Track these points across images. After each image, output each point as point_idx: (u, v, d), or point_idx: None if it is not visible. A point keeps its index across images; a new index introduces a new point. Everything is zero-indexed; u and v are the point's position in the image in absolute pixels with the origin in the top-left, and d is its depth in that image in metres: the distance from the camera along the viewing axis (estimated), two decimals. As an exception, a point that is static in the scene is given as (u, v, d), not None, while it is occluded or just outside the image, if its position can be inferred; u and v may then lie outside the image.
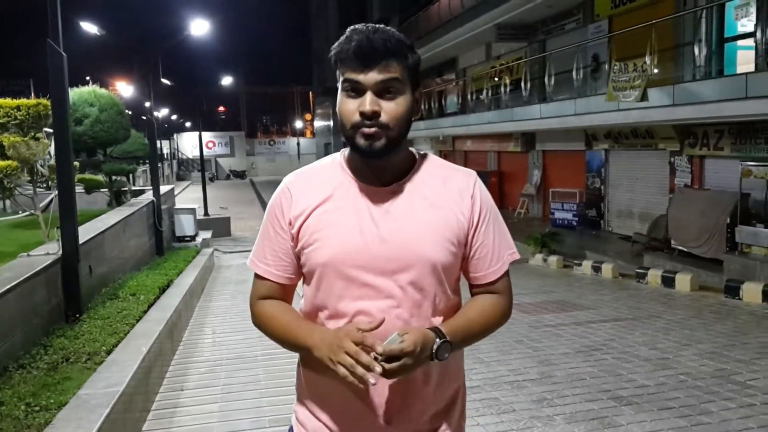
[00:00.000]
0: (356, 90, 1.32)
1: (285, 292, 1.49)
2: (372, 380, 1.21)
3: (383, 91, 1.31)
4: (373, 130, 1.31)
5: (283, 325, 1.43)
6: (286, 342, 1.42)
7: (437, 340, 1.29)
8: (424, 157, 1.48)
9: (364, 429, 1.41)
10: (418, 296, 1.37)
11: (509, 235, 1.50)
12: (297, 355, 1.53)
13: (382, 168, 1.40)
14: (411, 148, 1.48)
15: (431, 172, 1.45)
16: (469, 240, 1.43)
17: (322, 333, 1.33)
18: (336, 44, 1.36)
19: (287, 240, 1.44)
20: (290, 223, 1.42)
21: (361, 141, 1.33)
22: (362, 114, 1.31)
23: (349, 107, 1.33)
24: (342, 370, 1.23)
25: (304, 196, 1.42)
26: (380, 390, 1.38)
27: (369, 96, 1.31)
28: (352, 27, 1.35)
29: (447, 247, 1.39)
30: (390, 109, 1.32)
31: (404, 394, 1.39)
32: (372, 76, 1.30)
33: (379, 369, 1.21)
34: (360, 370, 1.21)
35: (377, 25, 1.35)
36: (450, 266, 1.41)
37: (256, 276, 1.50)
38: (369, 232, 1.36)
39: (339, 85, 1.36)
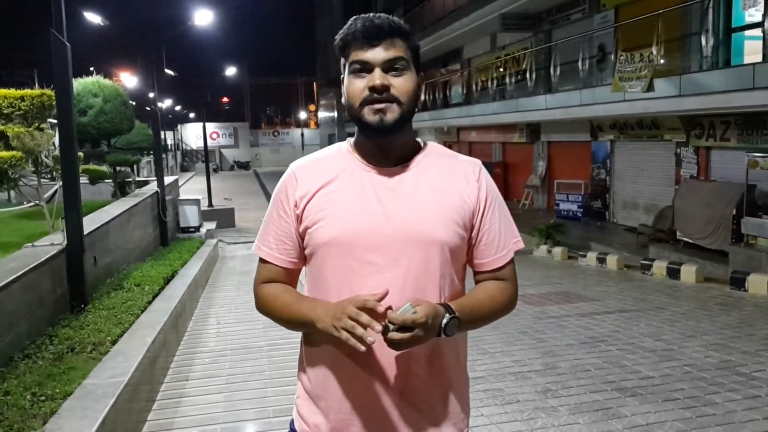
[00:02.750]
0: (364, 69, 1.35)
1: (289, 277, 1.49)
2: (371, 338, 1.21)
3: (390, 68, 1.35)
4: (383, 104, 1.33)
5: (287, 303, 1.42)
6: (290, 320, 1.41)
7: (446, 315, 1.30)
8: (428, 145, 1.49)
9: (367, 419, 1.40)
10: (423, 278, 1.37)
11: (514, 223, 1.51)
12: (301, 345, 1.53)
13: (389, 149, 1.41)
14: (417, 139, 1.49)
15: (436, 158, 1.47)
16: (475, 224, 1.44)
17: (325, 305, 1.33)
18: (340, 32, 1.39)
19: (291, 224, 1.44)
20: (295, 205, 1.42)
21: (371, 116, 1.34)
22: (372, 89, 1.33)
23: (358, 86, 1.35)
24: (344, 334, 1.23)
25: (310, 178, 1.43)
26: (383, 378, 1.37)
27: (378, 71, 1.34)
28: (354, 17, 1.39)
29: (453, 228, 1.39)
30: (399, 83, 1.35)
31: (407, 381, 1.38)
32: (379, 53, 1.34)
33: (378, 327, 1.21)
34: (360, 330, 1.21)
35: (379, 13, 1.39)
36: (456, 249, 1.41)
37: (260, 260, 1.49)
38: (374, 212, 1.37)
39: (345, 70, 1.39)
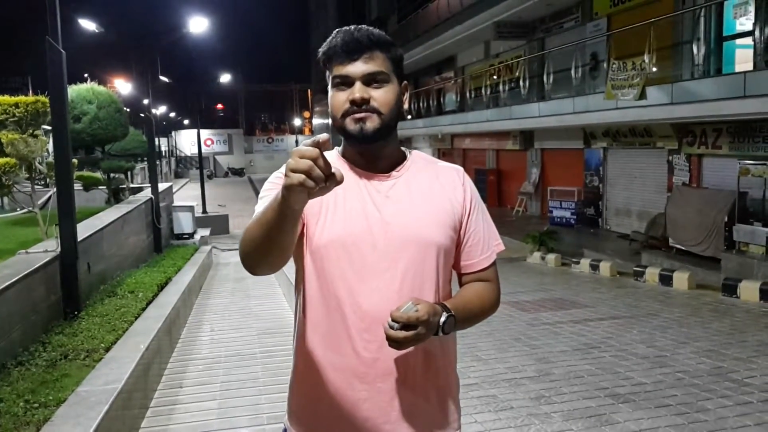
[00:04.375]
0: (345, 83, 1.38)
1: None
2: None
3: (370, 81, 1.37)
4: (363, 114, 1.36)
5: (260, 212, 1.25)
6: (267, 219, 1.18)
7: (444, 313, 1.33)
8: (412, 152, 1.54)
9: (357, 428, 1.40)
10: (420, 279, 1.40)
11: (494, 226, 1.56)
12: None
13: (376, 157, 1.45)
14: (402, 148, 1.53)
15: (424, 165, 1.52)
16: (463, 227, 1.49)
17: None
18: (323, 46, 1.42)
19: None
20: None
21: (352, 126, 1.37)
22: (353, 102, 1.36)
23: (340, 99, 1.38)
24: (294, 176, 1.05)
25: None
26: (378, 388, 1.38)
27: (358, 85, 1.37)
28: (336, 30, 1.42)
29: (446, 231, 1.44)
30: (379, 95, 1.38)
31: (404, 388, 1.40)
32: (359, 67, 1.37)
33: (326, 136, 1.09)
34: (302, 163, 1.05)
35: (360, 25, 1.42)
36: (448, 251, 1.46)
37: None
38: (372, 215, 1.40)
39: (329, 83, 1.42)
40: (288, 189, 1.07)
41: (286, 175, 1.07)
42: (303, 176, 1.05)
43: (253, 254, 1.25)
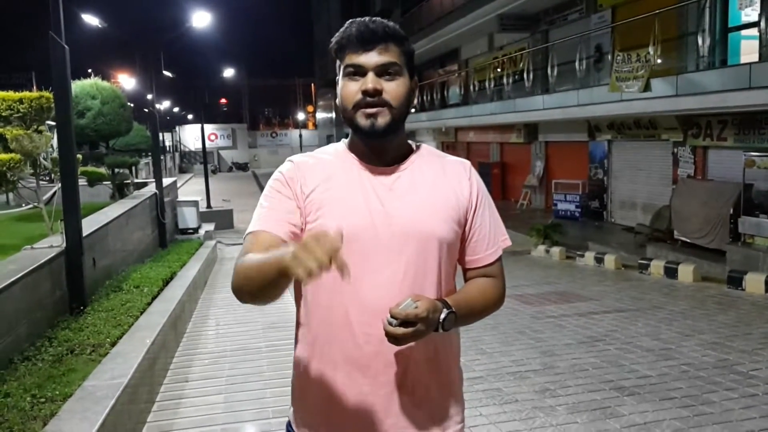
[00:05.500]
0: (358, 73, 1.37)
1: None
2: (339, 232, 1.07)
3: (383, 72, 1.36)
4: (375, 109, 1.35)
5: (259, 258, 1.24)
6: (264, 273, 1.19)
7: (444, 310, 1.32)
8: (420, 146, 1.53)
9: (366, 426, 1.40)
10: (422, 273, 1.39)
11: (501, 222, 1.55)
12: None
13: (383, 150, 1.44)
14: (409, 141, 1.52)
15: (429, 158, 1.50)
16: (468, 221, 1.47)
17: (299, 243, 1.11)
18: (336, 35, 1.41)
19: (293, 202, 1.40)
20: (301, 191, 1.40)
21: (363, 120, 1.37)
22: (365, 92, 1.35)
23: (351, 89, 1.37)
24: (299, 269, 1.05)
25: (310, 173, 1.43)
26: (381, 381, 1.38)
27: (371, 75, 1.36)
28: (350, 20, 1.41)
29: (450, 225, 1.42)
30: (391, 88, 1.37)
31: (405, 382, 1.40)
32: (372, 58, 1.36)
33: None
34: (311, 262, 1.04)
35: (375, 17, 1.41)
36: (452, 245, 1.44)
37: (249, 235, 1.38)
38: (374, 209, 1.38)
39: (340, 73, 1.41)
40: (295, 267, 1.05)
41: (297, 254, 1.05)
42: (316, 269, 1.03)
43: (246, 290, 1.29)
